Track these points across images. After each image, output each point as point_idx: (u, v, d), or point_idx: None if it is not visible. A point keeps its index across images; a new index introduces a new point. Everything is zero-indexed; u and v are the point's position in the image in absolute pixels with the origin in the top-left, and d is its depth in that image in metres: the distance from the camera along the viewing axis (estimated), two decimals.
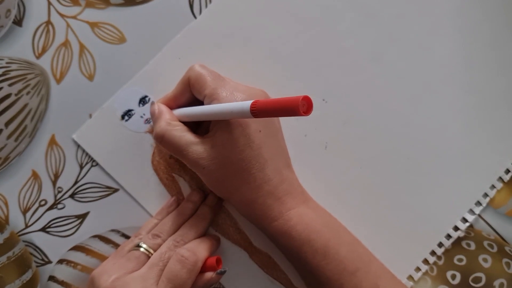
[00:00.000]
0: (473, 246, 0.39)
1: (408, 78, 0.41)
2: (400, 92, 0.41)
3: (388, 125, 0.40)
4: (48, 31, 0.41)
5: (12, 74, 0.40)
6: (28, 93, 0.40)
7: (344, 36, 0.41)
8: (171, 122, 0.35)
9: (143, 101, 0.41)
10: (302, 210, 0.34)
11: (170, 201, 0.40)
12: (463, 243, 0.39)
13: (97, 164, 0.40)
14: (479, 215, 0.40)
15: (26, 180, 0.40)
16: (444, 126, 0.40)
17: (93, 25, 0.41)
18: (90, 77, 0.41)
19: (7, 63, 0.41)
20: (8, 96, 0.40)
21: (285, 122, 0.38)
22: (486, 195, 0.40)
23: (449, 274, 0.39)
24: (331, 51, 0.41)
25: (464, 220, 0.40)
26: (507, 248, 0.39)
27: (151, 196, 0.40)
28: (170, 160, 0.40)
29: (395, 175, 0.40)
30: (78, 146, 0.40)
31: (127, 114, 0.40)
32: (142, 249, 0.36)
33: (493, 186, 0.40)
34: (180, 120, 0.36)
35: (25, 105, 0.40)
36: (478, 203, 0.40)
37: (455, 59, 0.41)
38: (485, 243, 0.39)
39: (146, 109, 0.41)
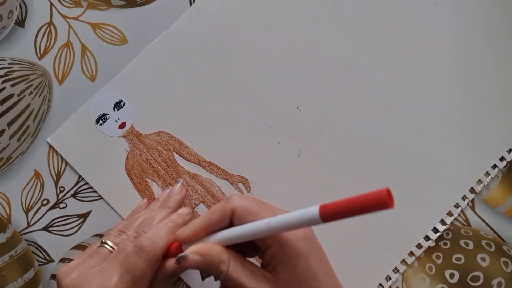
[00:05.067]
0: (471, 245, 0.40)
1: (382, 87, 0.41)
2: (373, 101, 0.41)
3: (362, 133, 0.40)
4: (50, 32, 0.41)
5: (15, 74, 0.41)
6: (30, 93, 0.41)
7: (320, 45, 0.41)
8: (232, 262, 0.29)
9: (118, 105, 0.41)
10: None
11: (140, 203, 0.40)
12: (461, 242, 0.40)
13: None
14: (478, 215, 0.40)
15: (28, 180, 0.41)
16: (416, 136, 0.40)
17: (94, 26, 0.41)
18: (92, 78, 0.41)
19: (9, 63, 0.41)
20: (10, 96, 0.41)
21: (258, 129, 0.38)
22: (458, 205, 0.40)
23: (447, 273, 0.39)
24: (307, 59, 0.41)
25: (436, 230, 0.40)
26: (505, 247, 0.40)
27: (124, 200, 0.40)
28: (143, 164, 0.40)
29: (368, 184, 0.39)
30: None
31: (102, 118, 0.41)
32: (107, 246, 0.35)
33: (465, 197, 0.40)
34: (223, 244, 0.30)
35: (28, 106, 0.41)
36: (450, 213, 0.40)
37: (429, 69, 0.41)
38: (483, 242, 0.40)
39: (121, 113, 0.41)
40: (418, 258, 0.40)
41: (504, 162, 0.40)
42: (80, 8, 0.41)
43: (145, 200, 0.40)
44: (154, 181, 0.40)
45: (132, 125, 0.41)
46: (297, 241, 0.29)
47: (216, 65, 0.41)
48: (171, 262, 0.32)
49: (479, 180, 0.40)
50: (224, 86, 0.40)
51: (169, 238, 0.33)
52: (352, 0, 0.41)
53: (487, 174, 0.40)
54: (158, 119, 0.41)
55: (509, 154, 0.40)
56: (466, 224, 0.40)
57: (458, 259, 0.39)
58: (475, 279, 0.39)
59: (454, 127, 0.41)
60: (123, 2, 0.41)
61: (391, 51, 0.41)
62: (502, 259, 0.39)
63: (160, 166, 0.40)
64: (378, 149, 0.40)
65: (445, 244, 0.40)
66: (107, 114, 0.41)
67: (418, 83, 0.41)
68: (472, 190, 0.40)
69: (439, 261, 0.40)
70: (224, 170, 0.40)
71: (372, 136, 0.40)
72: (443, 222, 0.40)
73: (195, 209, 0.40)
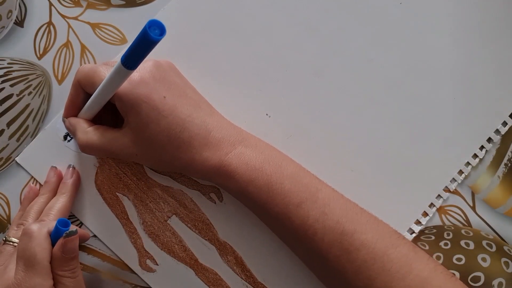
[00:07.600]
0: (472, 246, 0.40)
1: (351, 90, 0.40)
2: (343, 104, 0.40)
3: (332, 138, 0.40)
4: (49, 32, 0.41)
5: (14, 74, 0.41)
6: (30, 93, 0.41)
7: (286, 50, 0.40)
8: (86, 129, 0.36)
9: None
10: (239, 151, 0.34)
11: (26, 190, 0.40)
12: (462, 243, 0.40)
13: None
14: (479, 215, 0.40)
15: (27, 180, 0.41)
16: (387, 137, 0.40)
17: (94, 26, 0.41)
18: None
19: (8, 63, 0.41)
20: (10, 96, 0.41)
21: None
22: (432, 205, 0.40)
23: None
24: (274, 65, 0.40)
25: (411, 231, 0.40)
26: (505, 248, 0.40)
27: (95, 215, 0.40)
28: (113, 179, 0.40)
29: (340, 188, 0.38)
30: None
31: (70, 134, 0.40)
32: (10, 242, 0.36)
33: (439, 196, 0.40)
34: (91, 120, 0.37)
35: (27, 106, 0.41)
36: (425, 214, 0.40)
37: (397, 69, 0.40)
38: (484, 242, 0.40)
39: None
40: None
41: (477, 159, 0.40)
42: (80, 8, 0.41)
43: (30, 185, 0.40)
44: (125, 195, 0.40)
45: None
46: (133, 87, 0.33)
47: (183, 75, 0.39)
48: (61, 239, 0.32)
49: (453, 178, 0.40)
50: None
51: (60, 213, 0.37)
52: (315, 4, 0.40)
53: (461, 172, 0.40)
54: None
55: (481, 151, 0.40)
56: (466, 225, 0.40)
57: (459, 259, 0.39)
58: (476, 279, 0.39)
59: (426, 127, 0.40)
60: (123, 2, 0.41)
61: (358, 53, 0.40)
62: (503, 259, 0.39)
63: (130, 180, 0.40)
64: (350, 152, 0.40)
65: (445, 244, 0.40)
66: None
67: (387, 84, 0.40)
68: (446, 189, 0.40)
69: (440, 262, 0.39)
70: (195, 180, 0.40)
71: (342, 140, 0.40)
72: (418, 222, 0.40)
73: (167, 221, 0.40)
